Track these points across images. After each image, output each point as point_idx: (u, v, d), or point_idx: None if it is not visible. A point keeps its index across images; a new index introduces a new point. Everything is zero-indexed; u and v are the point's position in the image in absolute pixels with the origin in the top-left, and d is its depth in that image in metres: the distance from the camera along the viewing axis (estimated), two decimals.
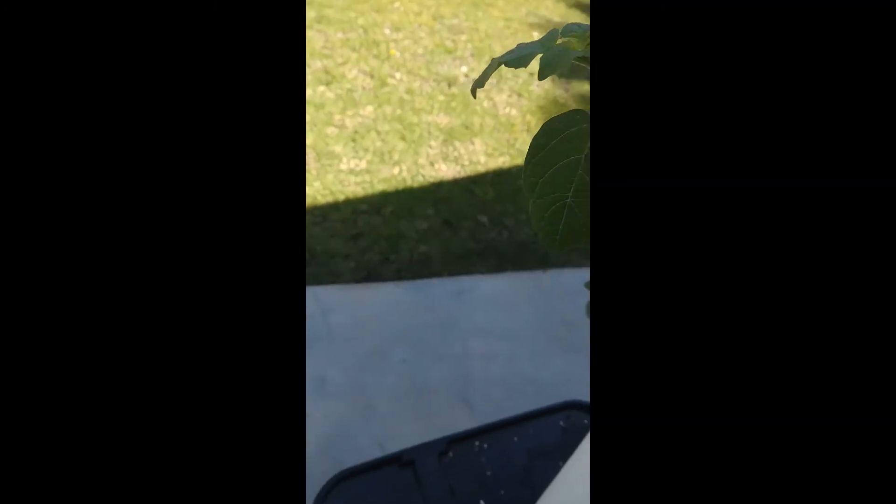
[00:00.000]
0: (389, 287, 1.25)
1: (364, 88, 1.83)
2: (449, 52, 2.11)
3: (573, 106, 1.95)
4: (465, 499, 0.46)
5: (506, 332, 1.18)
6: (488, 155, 1.61)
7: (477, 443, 0.50)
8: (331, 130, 1.66)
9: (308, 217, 1.39)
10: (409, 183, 1.51)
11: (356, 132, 1.66)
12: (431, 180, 1.53)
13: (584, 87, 2.02)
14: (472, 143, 1.63)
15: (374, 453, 1.01)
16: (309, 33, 2.09)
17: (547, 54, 0.18)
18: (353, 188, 1.48)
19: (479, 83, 0.19)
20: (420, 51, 2.07)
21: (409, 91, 1.86)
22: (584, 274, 1.33)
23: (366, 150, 1.60)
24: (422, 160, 1.59)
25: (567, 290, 1.27)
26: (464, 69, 2.01)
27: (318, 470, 0.53)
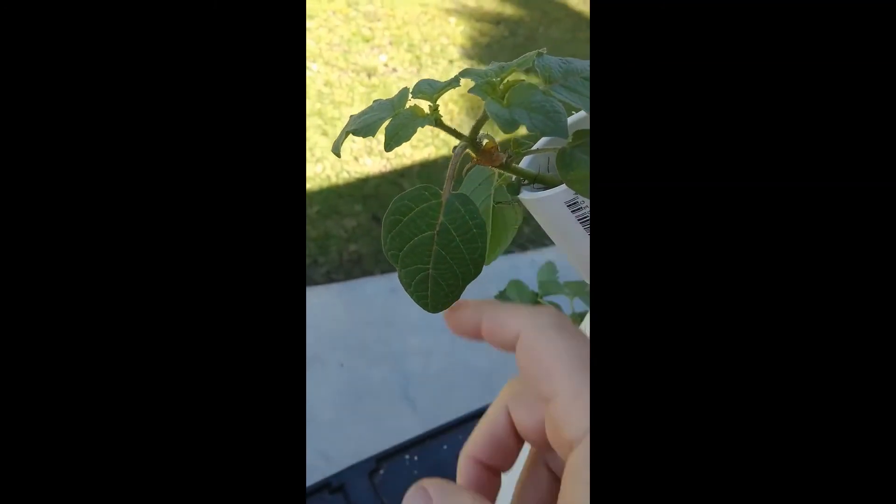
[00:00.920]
0: (320, 290, 1.22)
1: None
2: (366, 40, 2.05)
3: None
4: None
5: (443, 326, 1.18)
6: (413, 147, 1.59)
7: (407, 456, 0.50)
8: None
9: None
10: (333, 180, 1.47)
11: None
12: (357, 176, 1.49)
13: None
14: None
15: (320, 466, 0.99)
16: None
17: (391, 124, 0.17)
18: None
19: (336, 147, 0.19)
20: (336, 40, 2.00)
21: (328, 83, 1.80)
22: (514, 259, 1.36)
23: None
24: (345, 156, 1.55)
25: (498, 275, 1.29)
26: (383, 58, 1.97)
27: None
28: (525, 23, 2.49)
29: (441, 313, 0.20)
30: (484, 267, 0.22)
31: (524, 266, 1.31)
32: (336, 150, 0.19)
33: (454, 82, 0.17)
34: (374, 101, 0.19)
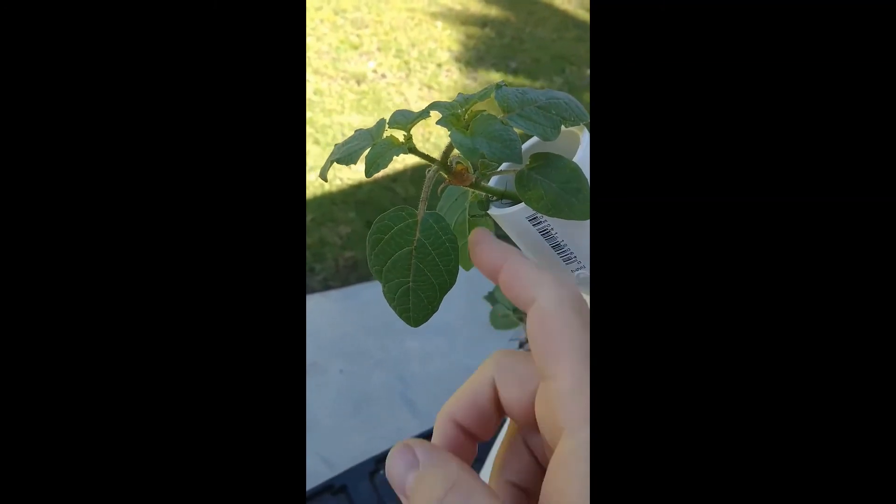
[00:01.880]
0: (317, 298, 1.23)
1: None
2: (355, 47, 2.06)
3: None
4: None
5: (439, 328, 1.20)
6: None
7: None
8: None
9: None
10: (327, 187, 1.48)
11: None
12: (350, 183, 1.51)
13: (491, 75, 2.05)
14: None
15: (322, 471, 1.01)
16: None
17: (371, 153, 0.19)
18: None
19: (323, 173, 0.20)
20: (325, 48, 2.01)
21: (318, 91, 1.81)
22: None
23: None
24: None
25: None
26: (371, 64, 1.98)
27: None
28: (511, 24, 2.51)
29: (430, 319, 0.21)
30: (473, 270, 0.24)
31: None
32: (323, 176, 0.21)
33: (425, 114, 0.19)
34: (356, 131, 0.21)
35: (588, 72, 2.30)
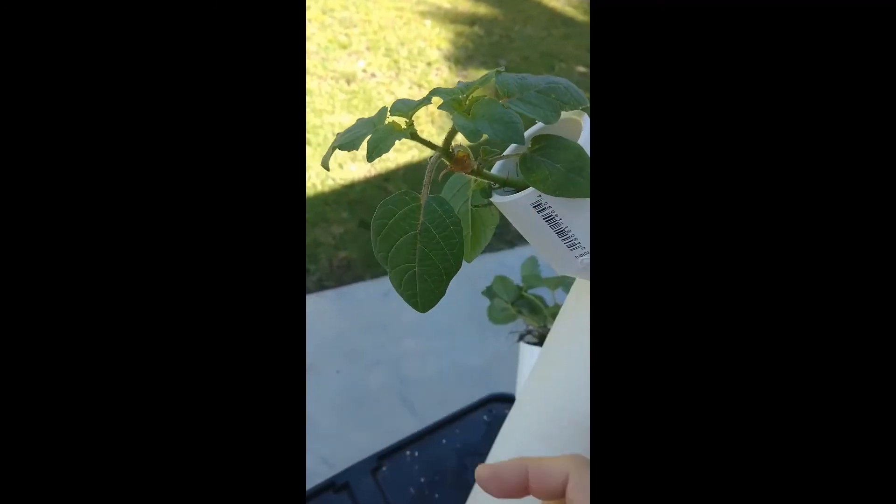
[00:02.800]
0: (312, 298, 1.23)
1: None
2: (343, 46, 2.05)
3: None
4: None
5: (436, 326, 1.20)
6: (397, 150, 1.61)
7: (407, 452, 0.51)
8: None
9: None
10: (319, 188, 1.48)
11: None
12: (342, 182, 1.51)
13: (481, 73, 2.05)
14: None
15: (320, 470, 1.00)
16: None
17: (372, 139, 0.19)
18: None
19: (325, 161, 0.20)
20: (313, 48, 2.01)
21: (308, 92, 1.81)
22: (501, 256, 1.38)
23: None
24: (331, 163, 1.56)
25: (489, 272, 1.30)
26: (361, 64, 1.98)
27: None
28: (500, 22, 2.51)
29: (429, 314, 0.21)
30: (474, 263, 0.23)
31: (513, 262, 1.33)
32: (325, 164, 0.20)
33: (426, 100, 0.19)
34: (358, 119, 0.21)
35: (577, 68, 2.31)
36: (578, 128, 0.20)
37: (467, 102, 0.18)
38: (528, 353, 0.47)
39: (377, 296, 1.25)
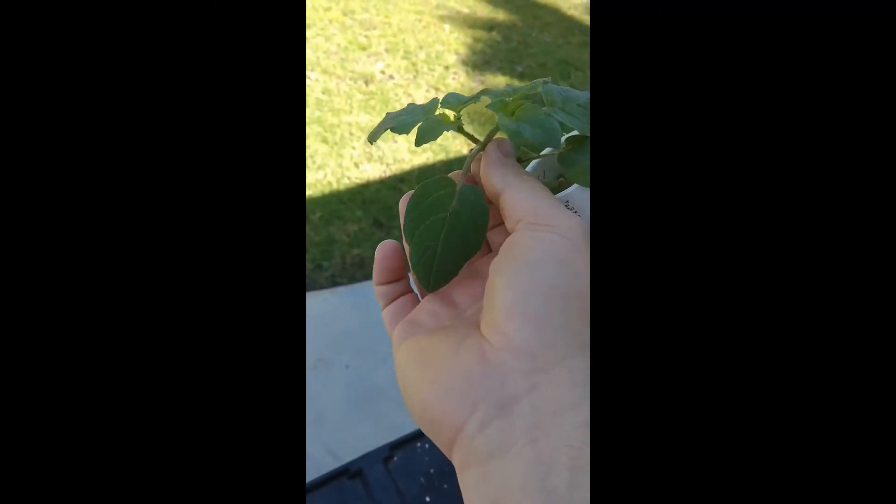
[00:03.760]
0: (325, 294, 1.25)
1: None
2: (363, 48, 2.08)
3: None
4: (412, 499, 0.48)
5: None
6: (412, 152, 1.63)
7: (418, 444, 0.53)
8: None
9: None
10: (335, 186, 1.50)
11: None
12: (357, 182, 1.53)
13: (497, 79, 2.07)
14: (396, 142, 1.64)
15: (327, 461, 1.02)
16: None
17: (423, 125, 0.20)
18: None
19: (373, 137, 0.22)
20: (333, 48, 2.04)
21: (326, 91, 1.83)
22: None
23: None
24: (346, 162, 1.58)
25: None
26: (379, 65, 2.00)
27: None
28: (518, 28, 2.53)
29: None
30: None
31: None
32: (373, 140, 0.22)
33: (476, 98, 0.21)
34: (408, 105, 0.22)
35: None
36: None
37: (512, 105, 0.20)
38: None
39: None
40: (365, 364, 1.13)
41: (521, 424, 0.16)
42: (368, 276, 1.31)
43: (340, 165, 1.56)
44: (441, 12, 2.44)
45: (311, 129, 1.67)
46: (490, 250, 0.22)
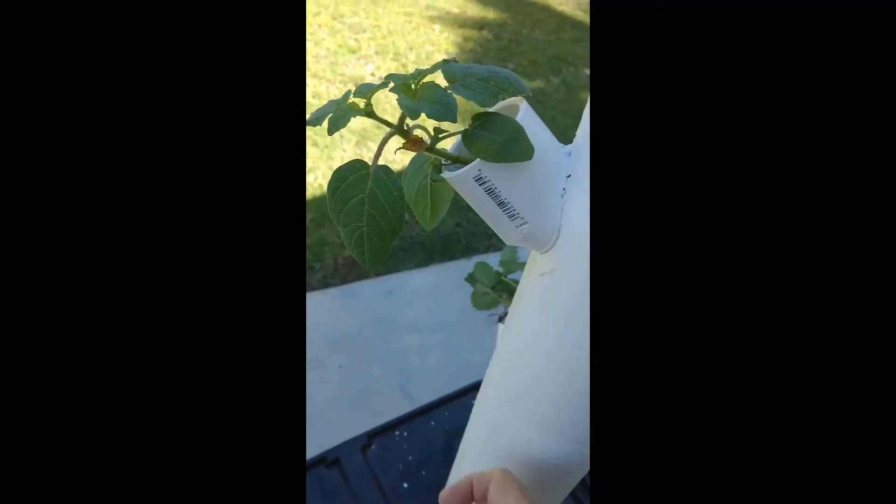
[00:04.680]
0: (317, 296, 1.26)
1: None
2: (353, 51, 2.10)
3: None
4: (389, 486, 0.49)
5: (438, 323, 1.22)
6: (403, 153, 1.63)
7: (396, 432, 0.54)
8: None
9: None
10: (325, 189, 1.51)
11: None
12: None
13: None
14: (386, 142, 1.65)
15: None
16: None
17: (333, 116, 0.21)
18: None
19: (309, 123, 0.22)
20: (323, 52, 2.05)
21: (316, 94, 1.85)
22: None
23: None
24: (336, 164, 1.59)
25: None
26: (370, 68, 2.02)
27: None
28: (508, 26, 2.54)
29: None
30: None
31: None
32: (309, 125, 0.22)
33: (383, 85, 0.22)
34: (328, 101, 0.23)
35: (585, 71, 2.32)
36: (518, 112, 0.22)
37: (416, 87, 0.21)
38: None
39: (381, 293, 1.28)
40: (359, 363, 1.14)
41: None
42: (361, 277, 1.32)
43: (330, 167, 1.58)
44: (431, 13, 2.45)
45: None
46: None
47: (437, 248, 1.42)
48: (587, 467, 0.29)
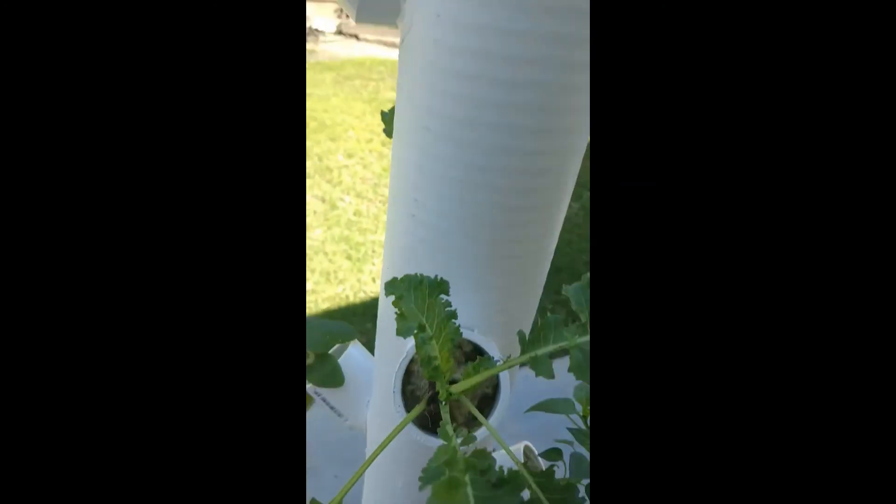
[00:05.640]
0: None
1: (315, 212, 2.02)
2: None
3: None
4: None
5: None
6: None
7: None
8: None
9: None
10: (351, 300, 1.64)
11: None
12: (373, 296, 1.67)
13: None
14: None
15: None
16: None
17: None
18: None
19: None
20: (369, 175, 2.31)
21: (357, 213, 2.06)
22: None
23: (312, 272, 1.74)
24: (365, 277, 1.74)
25: None
26: None
27: None
28: None
29: None
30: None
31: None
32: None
33: None
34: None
35: None
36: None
37: None
38: None
39: None
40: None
41: None
42: None
43: (359, 280, 1.72)
44: None
45: (338, 247, 1.86)
46: None
47: None
48: None
